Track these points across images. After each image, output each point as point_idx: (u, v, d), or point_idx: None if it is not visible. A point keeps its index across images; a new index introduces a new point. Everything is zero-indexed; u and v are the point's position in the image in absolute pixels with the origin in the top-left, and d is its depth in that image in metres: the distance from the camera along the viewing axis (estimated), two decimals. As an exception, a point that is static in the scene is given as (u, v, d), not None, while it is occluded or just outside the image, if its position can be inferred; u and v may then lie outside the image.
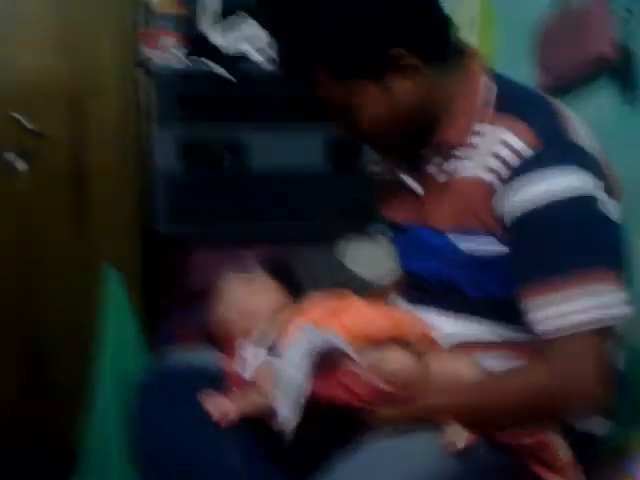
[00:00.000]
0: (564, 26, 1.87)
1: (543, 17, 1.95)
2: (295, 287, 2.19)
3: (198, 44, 2.38)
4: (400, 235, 1.47)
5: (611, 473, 1.40)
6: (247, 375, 1.36)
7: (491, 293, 1.31)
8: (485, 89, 1.31)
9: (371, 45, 1.25)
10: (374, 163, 1.55)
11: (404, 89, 1.28)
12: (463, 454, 1.17)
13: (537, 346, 1.21)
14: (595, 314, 1.16)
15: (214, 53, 2.36)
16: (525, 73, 1.93)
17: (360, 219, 2.36)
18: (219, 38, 2.43)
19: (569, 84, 1.88)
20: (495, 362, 1.29)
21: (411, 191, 1.40)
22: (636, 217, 1.61)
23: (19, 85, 2.24)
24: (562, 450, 1.21)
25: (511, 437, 1.20)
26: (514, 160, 1.22)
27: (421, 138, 1.34)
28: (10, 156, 2.23)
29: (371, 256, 2.30)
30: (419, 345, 1.30)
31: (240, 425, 1.33)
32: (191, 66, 2.35)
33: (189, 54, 2.36)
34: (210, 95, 2.35)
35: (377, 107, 1.29)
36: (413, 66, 1.26)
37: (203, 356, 1.50)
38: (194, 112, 2.34)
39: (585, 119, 1.33)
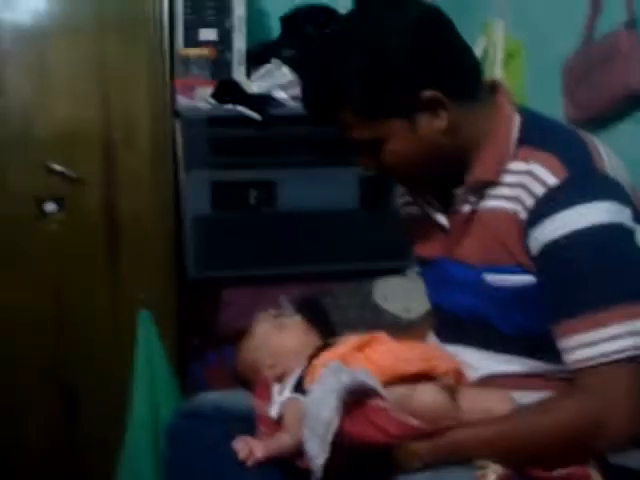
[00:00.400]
0: (593, 60, 1.85)
1: (571, 51, 1.94)
2: (327, 326, 2.19)
3: (225, 86, 2.40)
4: (429, 270, 1.47)
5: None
6: (273, 413, 1.35)
7: (524, 328, 1.29)
8: (514, 125, 1.30)
9: (401, 88, 1.25)
10: (402, 197, 1.55)
11: (433, 127, 1.27)
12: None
13: (570, 378, 1.19)
14: (628, 342, 1.13)
15: (241, 95, 2.38)
16: (555, 109, 1.92)
17: (391, 256, 2.35)
18: (249, 82, 2.47)
19: (600, 118, 1.87)
20: (527, 396, 1.26)
21: (439, 225, 1.39)
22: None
23: (55, 133, 2.28)
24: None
25: (544, 470, 1.17)
26: (544, 193, 1.21)
27: (451, 175, 1.33)
28: (46, 202, 2.27)
29: (404, 294, 2.29)
30: (449, 379, 1.28)
31: (267, 465, 1.32)
32: (220, 109, 2.37)
33: (216, 96, 2.38)
34: (240, 138, 2.37)
35: (406, 146, 1.28)
36: (442, 105, 1.26)
37: (232, 397, 1.49)
38: (224, 155, 2.36)
39: (617, 152, 1.32)
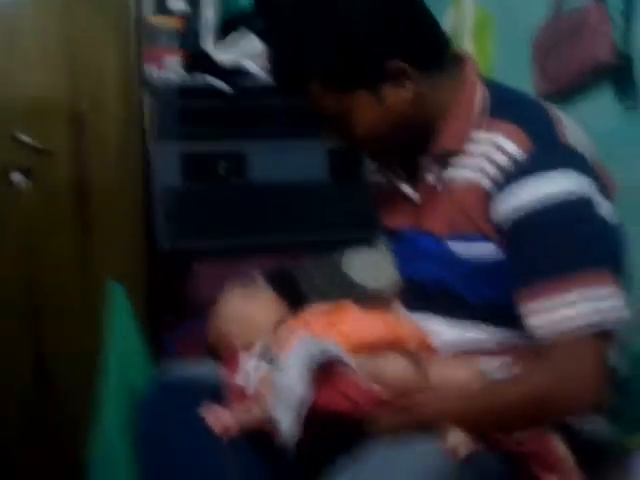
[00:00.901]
0: (562, 33, 1.86)
1: (541, 24, 1.95)
2: (297, 296, 2.20)
3: (196, 58, 2.39)
4: (398, 242, 1.48)
5: (615, 476, 1.39)
6: (242, 382, 1.36)
7: (490, 298, 1.30)
8: (480, 96, 1.32)
9: (367, 59, 1.26)
10: (371, 170, 1.55)
11: (399, 98, 1.28)
12: (465, 461, 1.16)
13: (536, 350, 1.20)
14: (593, 317, 1.15)
15: (212, 66, 2.37)
16: (524, 81, 1.93)
17: (362, 228, 2.36)
18: (217, 51, 2.45)
19: (568, 91, 1.88)
20: (493, 362, 1.28)
21: (408, 198, 1.40)
22: (636, 220, 1.61)
23: (21, 102, 2.26)
24: (563, 452, 1.20)
25: (513, 444, 1.20)
26: (508, 164, 1.22)
27: (418, 146, 1.34)
28: (12, 173, 2.24)
29: (373, 265, 2.30)
30: (417, 351, 1.29)
31: (241, 438, 1.33)
32: (190, 80, 2.36)
33: (187, 68, 2.37)
34: (209, 109, 2.36)
35: (372, 116, 1.29)
36: (408, 76, 1.27)
37: (205, 369, 1.50)
38: (194, 126, 2.34)
39: (585, 125, 1.33)
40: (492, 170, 1.24)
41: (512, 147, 1.23)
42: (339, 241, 2.45)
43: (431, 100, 1.31)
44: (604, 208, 1.25)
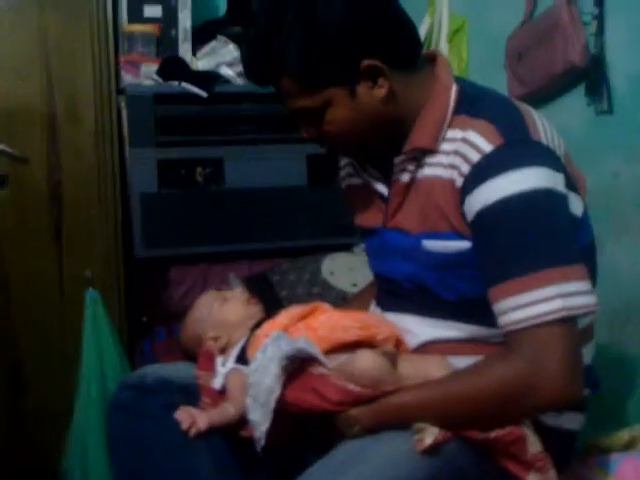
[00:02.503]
0: (534, 36, 1.88)
1: (514, 27, 1.97)
2: (275, 302, 2.20)
3: (170, 63, 2.39)
4: (371, 239, 1.47)
5: (585, 469, 1.39)
6: (216, 384, 1.36)
7: (461, 292, 1.30)
8: (452, 94, 1.32)
9: (341, 57, 1.26)
10: (343, 169, 1.56)
11: (373, 96, 1.29)
12: (432, 452, 1.16)
13: (506, 344, 1.20)
14: (558, 304, 1.15)
15: (188, 73, 2.37)
16: (498, 84, 1.94)
17: (339, 233, 2.36)
18: (194, 58, 2.45)
19: (541, 94, 1.90)
20: (465, 361, 1.27)
21: (381, 196, 1.40)
22: (606, 221, 1.63)
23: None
24: (533, 444, 1.19)
25: (479, 431, 1.19)
26: (477, 158, 1.23)
27: (391, 144, 1.35)
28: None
29: (350, 268, 2.31)
30: (388, 346, 1.29)
31: (211, 435, 1.33)
32: (164, 86, 2.35)
33: (162, 74, 2.36)
34: (185, 115, 2.36)
35: (347, 114, 1.29)
36: (382, 74, 1.27)
37: (175, 368, 1.50)
38: (169, 133, 2.34)
39: (557, 127, 1.34)
40: (463, 166, 1.24)
41: (483, 143, 1.23)
42: (317, 247, 2.46)
43: (405, 98, 1.31)
44: (575, 204, 1.26)
